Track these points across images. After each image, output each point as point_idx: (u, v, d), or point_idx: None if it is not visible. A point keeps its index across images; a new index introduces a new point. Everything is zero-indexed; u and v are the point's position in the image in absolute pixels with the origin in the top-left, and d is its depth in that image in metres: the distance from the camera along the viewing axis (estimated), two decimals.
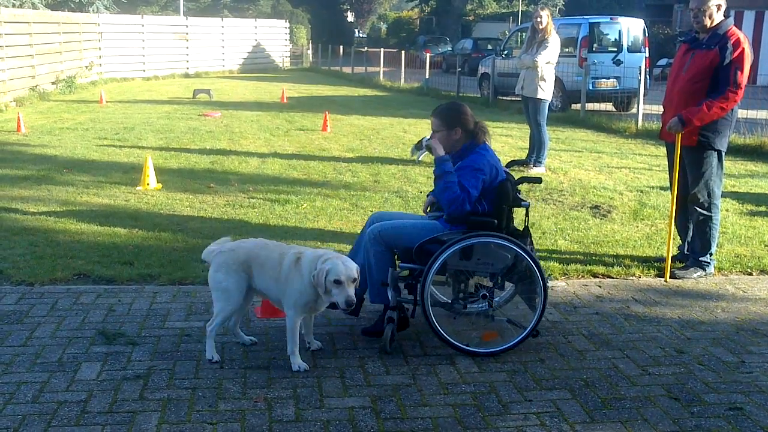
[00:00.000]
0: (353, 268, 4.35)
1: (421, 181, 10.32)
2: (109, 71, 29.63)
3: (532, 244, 5.24)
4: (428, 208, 5.53)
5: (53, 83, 23.33)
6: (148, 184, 9.53)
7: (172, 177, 10.26)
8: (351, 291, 4.29)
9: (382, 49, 33.14)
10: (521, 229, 5.19)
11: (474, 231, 4.83)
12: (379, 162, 11.74)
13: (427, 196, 5.65)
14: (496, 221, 4.90)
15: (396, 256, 5.06)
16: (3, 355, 4.70)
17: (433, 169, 5.15)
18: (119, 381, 4.39)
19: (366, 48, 46.20)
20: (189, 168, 11.08)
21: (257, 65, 39.74)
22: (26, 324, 5.19)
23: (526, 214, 5.19)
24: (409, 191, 9.66)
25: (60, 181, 9.96)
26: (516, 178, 5.30)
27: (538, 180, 5.68)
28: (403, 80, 28.43)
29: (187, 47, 34.91)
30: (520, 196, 5.14)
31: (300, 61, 45.96)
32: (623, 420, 4.10)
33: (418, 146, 12.21)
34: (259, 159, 11.95)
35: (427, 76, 26.58)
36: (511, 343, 4.95)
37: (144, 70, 31.92)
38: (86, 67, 27.00)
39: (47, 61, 23.05)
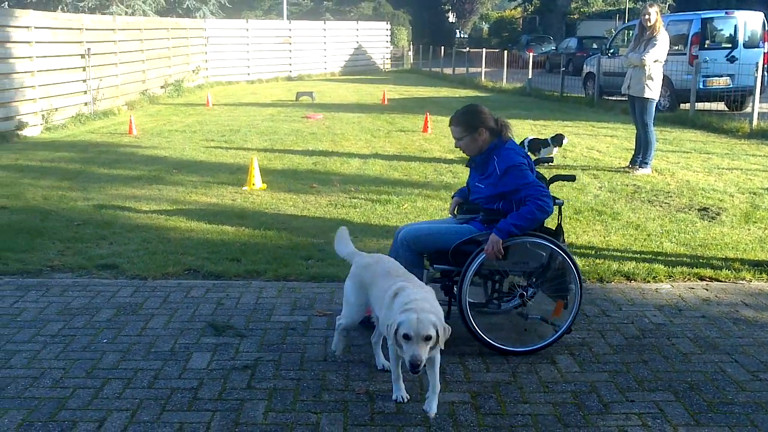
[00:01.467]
0: (428, 325, 3.81)
1: None
2: (215, 75, 30.64)
3: (564, 242, 5.21)
4: (456, 210, 5.45)
5: (162, 87, 24.32)
6: (253, 184, 9.89)
7: (276, 177, 10.59)
8: (419, 351, 3.77)
9: (484, 50, 33.04)
10: (554, 228, 5.18)
11: None
12: None
13: (452, 197, 5.57)
14: None
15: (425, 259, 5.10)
16: (121, 344, 5.02)
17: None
18: (228, 370, 4.63)
19: (467, 48, 46.15)
20: (293, 169, 11.40)
21: (358, 67, 40.27)
22: (141, 315, 5.52)
23: (559, 213, 5.18)
24: None
25: (170, 181, 10.44)
26: (549, 177, 5.30)
27: (571, 178, 5.66)
28: (505, 80, 28.31)
29: (290, 50, 35.70)
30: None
31: (401, 62, 46.31)
32: (731, 425, 4.05)
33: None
34: (361, 160, 12.18)
35: (530, 76, 26.38)
36: (547, 341, 4.96)
37: (248, 74, 32.84)
38: (193, 71, 28.01)
39: (156, 66, 24.04)
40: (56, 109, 16.71)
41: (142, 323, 5.37)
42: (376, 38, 42.58)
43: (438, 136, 14.92)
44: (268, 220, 8.23)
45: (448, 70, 35.93)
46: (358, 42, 40.84)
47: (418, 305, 3.91)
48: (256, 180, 9.95)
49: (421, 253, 5.02)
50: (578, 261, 6.71)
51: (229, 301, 5.81)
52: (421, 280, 4.76)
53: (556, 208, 5.09)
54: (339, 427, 3.95)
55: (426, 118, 15.96)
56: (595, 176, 10.78)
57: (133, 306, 5.71)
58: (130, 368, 4.66)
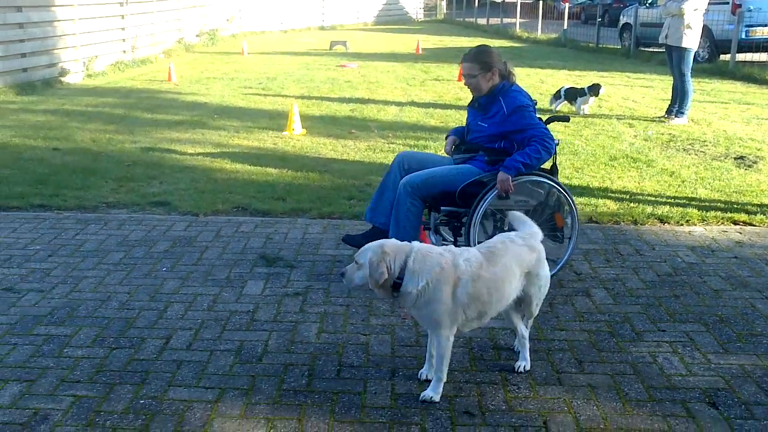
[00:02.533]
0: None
1: (559, 129, 10.47)
2: (249, 24, 30.75)
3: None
4: (453, 149, 5.49)
5: (197, 36, 24.53)
6: (293, 129, 10.16)
7: (315, 123, 10.85)
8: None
9: (519, 0, 32.79)
10: (549, 167, 5.34)
11: None
12: None
13: (447, 137, 5.62)
14: None
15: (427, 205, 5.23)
16: (179, 272, 5.37)
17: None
18: (281, 297, 4.96)
19: None
20: (330, 115, 11.65)
21: (391, 17, 40.14)
22: (196, 247, 5.87)
23: (555, 152, 5.26)
24: None
25: (212, 125, 10.75)
26: (545, 118, 5.42)
27: (566, 118, 5.87)
28: (540, 31, 28.15)
29: (323, 0, 35.66)
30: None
31: (434, 12, 46.02)
32: (759, 354, 4.29)
33: (556, 96, 12.31)
34: (397, 107, 12.39)
35: (565, 27, 26.23)
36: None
37: (281, 23, 32.91)
38: (227, 20, 28.16)
39: (192, 15, 24.23)
40: (96, 56, 17.03)
41: (197, 254, 5.71)
42: None
43: None
44: (310, 163, 8.52)
45: (482, 21, 35.73)
46: None
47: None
48: (296, 125, 10.22)
49: (425, 198, 5.08)
50: (612, 204, 6.96)
51: (277, 235, 6.13)
52: (422, 225, 5.10)
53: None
54: (387, 347, 4.26)
55: (461, 67, 16.05)
56: (630, 125, 10.91)
57: (187, 239, 6.05)
58: (190, 293, 5.00)
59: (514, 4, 31.89)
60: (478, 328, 4.00)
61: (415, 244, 3.78)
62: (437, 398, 3.76)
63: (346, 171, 8.17)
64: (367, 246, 3.75)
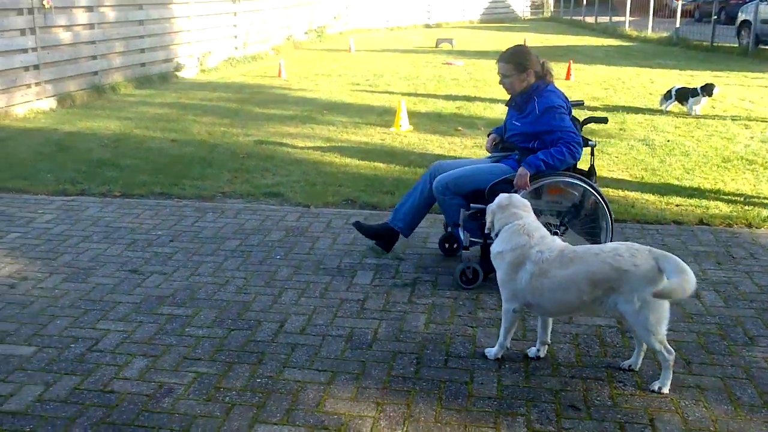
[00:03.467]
0: None
1: (669, 129, 10.31)
2: (355, 22, 31.19)
3: (596, 182, 5.28)
4: (492, 147, 5.55)
5: (305, 33, 25.06)
6: (400, 126, 10.32)
7: (421, 120, 10.98)
8: None
9: None
10: (587, 169, 5.30)
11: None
12: (625, 111, 11.77)
13: (489, 135, 5.66)
14: None
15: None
16: (292, 260, 5.59)
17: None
18: (390, 287, 5.10)
19: None
20: (437, 112, 11.77)
21: (496, 15, 39.94)
22: (307, 237, 6.08)
23: (592, 154, 5.32)
24: (656, 140, 9.71)
25: (321, 120, 11.02)
26: (582, 119, 5.38)
27: (603, 120, 5.69)
28: (650, 30, 27.50)
29: None
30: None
31: (540, 11, 45.50)
32: None
33: (667, 96, 12.05)
34: (504, 105, 12.36)
35: (677, 25, 25.54)
36: None
37: (387, 20, 33.24)
38: (334, 18, 28.65)
39: (301, 13, 24.77)
40: (210, 52, 17.65)
41: (309, 244, 5.92)
42: None
43: (581, 84, 14.89)
44: (417, 159, 8.65)
45: (589, 19, 35.14)
46: None
47: None
48: (403, 122, 10.37)
49: (461, 194, 5.17)
50: (725, 207, 6.82)
51: None
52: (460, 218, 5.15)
53: (588, 149, 5.28)
54: (494, 339, 4.33)
55: (569, 65, 15.92)
56: (746, 126, 10.60)
57: (299, 229, 6.27)
58: (303, 281, 5.21)
59: (624, 2, 31.23)
60: (574, 321, 4.03)
61: (528, 217, 4.12)
62: (491, 356, 4.15)
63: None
64: (501, 195, 4.25)
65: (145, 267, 5.48)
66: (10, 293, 5.07)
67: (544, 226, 4.94)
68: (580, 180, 5.10)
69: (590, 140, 5.28)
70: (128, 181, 7.71)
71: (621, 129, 10.43)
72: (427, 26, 34.97)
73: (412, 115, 11.07)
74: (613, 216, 5.17)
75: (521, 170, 4.98)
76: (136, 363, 4.11)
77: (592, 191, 5.09)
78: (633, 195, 7.24)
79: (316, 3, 26.64)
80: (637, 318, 3.77)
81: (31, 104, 12.01)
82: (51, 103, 12.44)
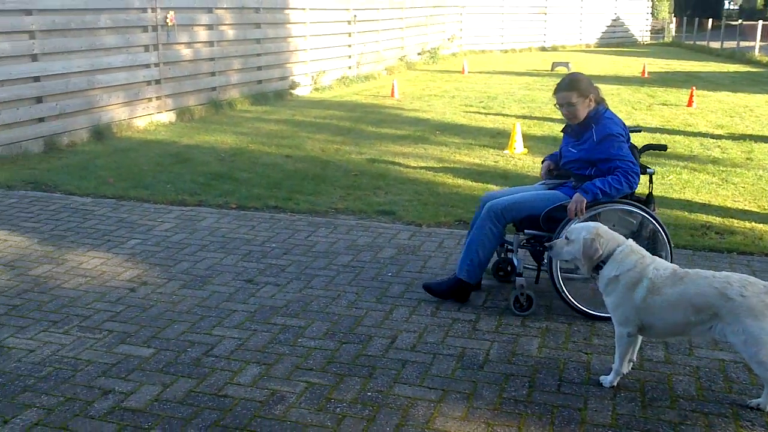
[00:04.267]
0: None
1: None
2: (469, 43, 31.29)
3: (655, 210, 5.14)
4: (546, 174, 5.45)
5: (418, 54, 25.32)
6: (514, 148, 10.29)
7: (536, 143, 10.92)
8: None
9: (759, 22, 31.05)
10: (645, 196, 5.17)
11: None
12: (752, 139, 11.39)
13: (543, 161, 5.55)
14: None
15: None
16: (403, 278, 5.66)
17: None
18: (502, 309, 5.09)
19: (740, 21, 43.44)
20: (552, 136, 11.65)
21: (614, 39, 39.29)
22: (419, 256, 6.14)
23: (650, 181, 5.21)
24: None
25: (434, 141, 11.11)
26: (641, 146, 5.23)
27: (663, 147, 5.49)
28: None
29: (545, 21, 35.59)
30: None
31: (661, 35, 44.50)
32: None
33: None
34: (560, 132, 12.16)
35: None
36: None
37: (502, 43, 33.19)
38: (448, 39, 28.83)
39: (414, 34, 25.06)
40: (324, 71, 18.06)
41: (421, 263, 5.97)
42: (636, 10, 41.23)
43: (704, 111, 14.48)
44: (531, 182, 8.54)
45: (714, 44, 34.16)
46: (616, 13, 39.80)
47: None
48: (518, 144, 10.34)
49: (508, 223, 5.13)
50: None
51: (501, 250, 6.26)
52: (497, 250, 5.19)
53: (646, 177, 5.18)
54: (609, 367, 4.26)
55: (692, 92, 15.52)
56: None
57: (411, 247, 6.34)
58: (414, 298, 5.26)
59: (754, 26, 30.23)
60: (694, 353, 3.92)
61: (630, 240, 4.18)
62: (606, 384, 4.10)
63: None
64: (579, 225, 4.29)
65: (259, 277, 5.66)
66: (131, 296, 5.31)
67: None
68: (638, 208, 4.99)
69: (648, 167, 5.20)
70: (244, 194, 7.97)
71: (748, 158, 10.10)
72: (543, 49, 34.73)
73: (527, 138, 11.02)
74: (672, 245, 5.04)
75: (577, 196, 4.89)
76: (249, 370, 4.24)
77: (651, 219, 4.99)
78: (761, 227, 6.99)
79: (430, 24, 26.90)
80: (745, 350, 3.71)
81: (151, 117, 12.58)
82: (170, 117, 12.99)
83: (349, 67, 19.63)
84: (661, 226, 5.01)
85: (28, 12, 10.10)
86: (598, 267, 4.14)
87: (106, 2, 11.46)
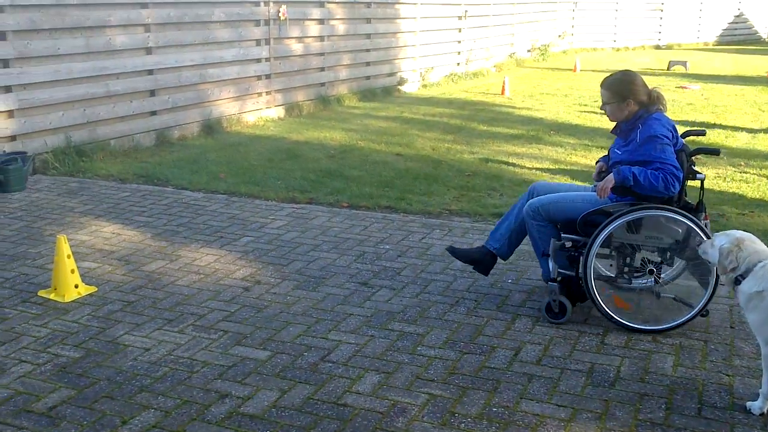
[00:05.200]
0: None
1: None
2: (580, 41, 30.61)
3: (707, 218, 4.93)
4: (598, 176, 5.20)
5: (528, 51, 24.89)
6: None
7: None
8: None
9: None
10: (695, 204, 4.95)
11: (643, 203, 4.71)
12: None
13: (596, 162, 5.33)
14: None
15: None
16: (524, 285, 5.48)
17: None
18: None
19: None
20: None
21: (736, 37, 37.78)
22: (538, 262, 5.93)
23: (702, 188, 4.97)
24: None
25: (548, 141, 10.83)
26: (692, 149, 4.98)
27: (715, 151, 5.26)
28: None
29: (661, 18, 34.52)
30: (695, 168, 4.93)
31: None
32: None
33: None
34: (749, 134, 11.61)
35: None
36: (679, 321, 4.75)
37: (614, 41, 32.35)
38: (559, 36, 28.26)
39: (525, 30, 24.65)
40: (432, 67, 17.93)
41: (540, 270, 5.76)
42: (761, 5, 39.58)
43: None
44: None
45: None
46: (739, 9, 38.30)
47: None
48: None
49: (553, 221, 4.97)
50: None
51: None
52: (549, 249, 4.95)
53: (698, 183, 4.99)
54: (754, 392, 3.98)
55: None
56: None
57: (530, 253, 6.11)
58: (536, 308, 5.08)
59: None
60: None
61: None
62: (756, 411, 3.84)
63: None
64: (729, 232, 4.12)
65: (374, 280, 5.57)
66: (245, 296, 5.30)
67: (642, 262, 4.84)
68: (684, 215, 4.69)
69: (699, 173, 4.95)
70: (355, 193, 7.91)
71: None
72: (657, 47, 33.68)
73: None
74: None
75: (609, 176, 4.75)
76: (368, 378, 4.14)
77: (698, 230, 4.65)
78: None
79: (541, 20, 26.43)
80: None
81: (260, 112, 12.70)
82: (279, 112, 13.09)
83: (458, 64, 19.42)
84: (708, 235, 4.68)
85: (144, 5, 10.31)
86: (738, 281, 3.92)
87: None
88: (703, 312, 4.76)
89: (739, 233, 4.05)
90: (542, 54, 25.17)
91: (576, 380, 4.13)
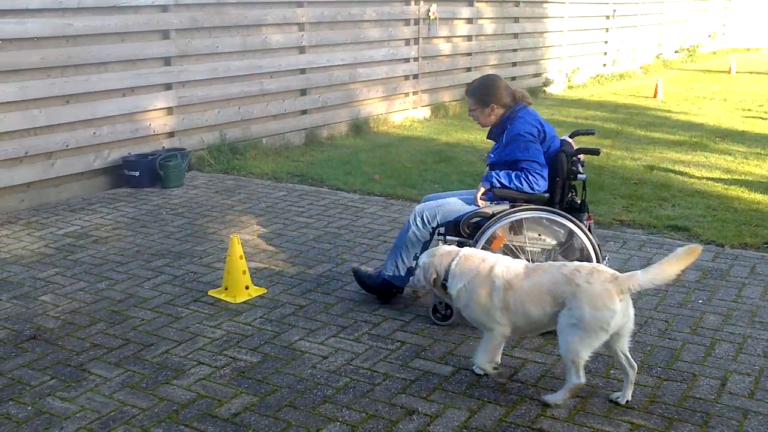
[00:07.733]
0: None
1: None
2: (732, 41, 29.25)
3: (591, 219, 4.95)
4: None
5: (675, 52, 23.93)
6: None
7: None
8: None
9: None
10: (578, 204, 4.93)
11: (522, 204, 4.75)
12: None
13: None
14: (548, 195, 4.78)
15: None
16: (717, 306, 5.11)
17: None
18: None
19: None
20: None
21: None
22: (730, 282, 5.56)
23: (584, 188, 4.96)
24: None
25: (714, 148, 10.25)
26: (573, 149, 4.96)
27: (595, 151, 5.14)
28: None
29: None
30: (578, 168, 4.84)
31: None
32: None
33: None
34: None
35: None
36: None
37: None
38: (709, 36, 27.08)
39: (673, 30, 23.71)
40: (578, 68, 17.43)
41: (734, 290, 5.38)
42: None
43: None
44: None
45: None
46: None
47: None
48: None
49: (435, 226, 5.01)
50: None
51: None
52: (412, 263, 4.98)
53: (580, 183, 4.95)
54: None
55: None
56: None
57: (718, 271, 5.74)
58: (737, 333, 4.71)
59: None
60: None
61: (464, 249, 4.24)
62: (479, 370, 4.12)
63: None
64: (424, 254, 4.40)
65: None
66: (416, 306, 5.16)
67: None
68: (564, 216, 4.69)
69: (580, 173, 4.88)
70: None
71: None
72: None
73: None
74: (601, 261, 4.51)
75: (479, 185, 4.89)
76: (564, 403, 3.89)
77: (577, 229, 4.65)
78: None
79: (691, 20, 25.37)
80: (569, 331, 3.71)
81: (407, 112, 12.61)
82: (425, 113, 12.97)
83: (604, 65, 18.83)
84: (588, 237, 4.59)
85: (300, 4, 10.36)
86: (445, 287, 4.14)
87: None
88: None
89: (432, 249, 4.35)
90: (690, 55, 24.16)
91: None
